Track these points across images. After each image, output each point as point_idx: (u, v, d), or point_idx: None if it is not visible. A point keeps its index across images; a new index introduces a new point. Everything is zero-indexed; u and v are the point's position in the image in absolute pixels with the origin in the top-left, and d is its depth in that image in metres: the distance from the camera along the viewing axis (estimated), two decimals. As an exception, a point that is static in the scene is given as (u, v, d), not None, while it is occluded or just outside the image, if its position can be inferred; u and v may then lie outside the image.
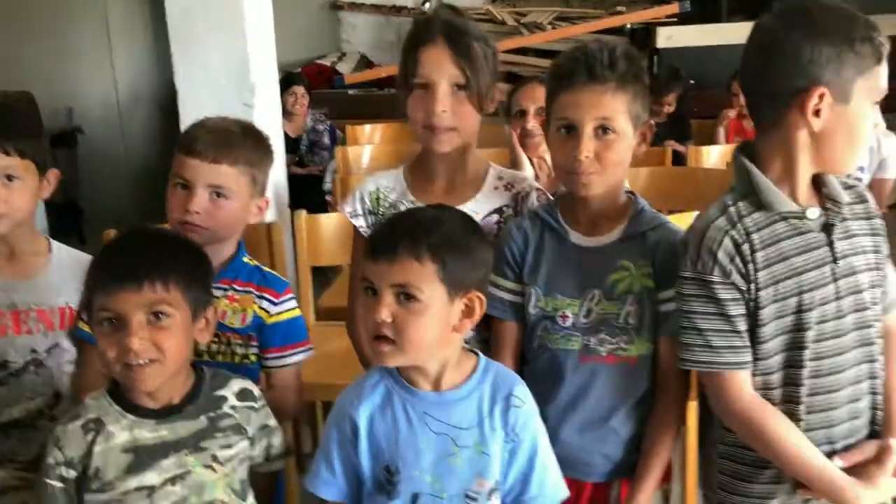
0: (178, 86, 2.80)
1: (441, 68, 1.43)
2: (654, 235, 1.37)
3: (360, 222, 1.58)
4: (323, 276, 3.23)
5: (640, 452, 1.39)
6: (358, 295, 1.61)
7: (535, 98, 2.34)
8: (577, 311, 1.37)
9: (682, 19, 5.37)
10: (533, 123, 2.33)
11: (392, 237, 1.14)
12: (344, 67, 6.15)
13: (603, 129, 1.31)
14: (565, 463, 1.31)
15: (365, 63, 6.53)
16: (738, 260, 1.22)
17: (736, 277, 1.23)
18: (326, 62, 6.22)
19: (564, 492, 1.25)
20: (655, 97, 4.18)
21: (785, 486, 1.28)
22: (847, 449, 1.27)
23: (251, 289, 1.50)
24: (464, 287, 1.16)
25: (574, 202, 1.40)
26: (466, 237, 1.17)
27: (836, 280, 1.24)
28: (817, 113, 1.16)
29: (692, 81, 4.80)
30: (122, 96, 5.27)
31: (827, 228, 1.24)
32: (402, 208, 1.51)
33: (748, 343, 1.25)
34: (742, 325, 1.25)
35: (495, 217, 1.53)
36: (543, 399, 1.35)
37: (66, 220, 4.96)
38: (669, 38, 5.15)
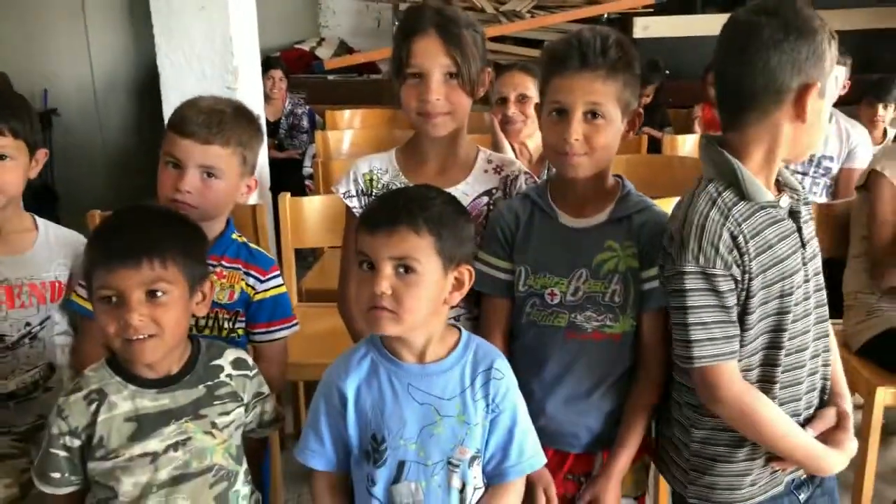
0: (160, 69, 2.79)
1: (433, 58, 1.48)
2: (639, 218, 1.42)
3: (354, 203, 1.62)
4: (303, 258, 3.25)
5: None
6: (352, 274, 1.67)
7: (515, 85, 2.37)
8: (564, 289, 1.42)
9: (658, 10, 5.41)
10: (514, 110, 2.37)
11: (391, 211, 1.19)
12: (323, 53, 6.13)
13: (592, 114, 1.36)
14: (551, 435, 1.37)
15: (344, 49, 6.51)
16: (735, 251, 1.25)
17: (734, 269, 1.25)
18: (305, 47, 6.20)
19: (542, 459, 1.31)
20: None
21: (759, 461, 1.34)
22: (808, 421, 1.36)
23: (239, 265, 1.54)
24: (455, 260, 1.21)
25: (563, 184, 1.44)
26: (456, 214, 1.23)
27: (805, 264, 1.31)
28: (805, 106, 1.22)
29: (668, 72, 4.86)
30: (98, 78, 5.19)
31: (793, 215, 1.31)
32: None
33: (738, 332, 1.29)
34: (735, 316, 1.28)
35: (485, 199, 1.57)
36: (530, 374, 1.41)
37: (41, 204, 4.91)
38: (646, 28, 5.20)
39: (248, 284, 1.53)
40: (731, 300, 1.27)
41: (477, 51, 1.51)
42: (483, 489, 1.28)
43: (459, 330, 1.30)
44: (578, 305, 1.41)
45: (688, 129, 4.13)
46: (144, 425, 1.23)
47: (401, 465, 1.24)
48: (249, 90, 2.88)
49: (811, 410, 1.37)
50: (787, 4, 1.23)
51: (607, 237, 1.42)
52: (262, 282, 1.54)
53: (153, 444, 1.23)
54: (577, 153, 1.37)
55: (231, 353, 1.34)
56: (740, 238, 1.25)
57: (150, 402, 1.24)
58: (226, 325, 1.53)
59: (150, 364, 1.24)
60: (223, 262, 1.53)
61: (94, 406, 1.22)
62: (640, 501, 1.52)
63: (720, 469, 1.36)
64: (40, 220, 1.65)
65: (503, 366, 1.27)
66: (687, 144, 3.48)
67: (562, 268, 1.43)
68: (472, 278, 1.25)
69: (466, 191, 1.56)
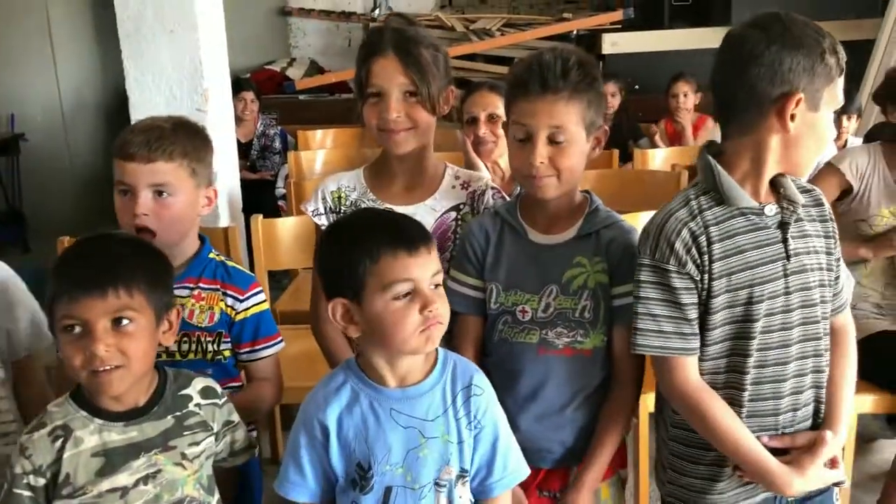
0: (129, 92, 2.76)
1: (392, 78, 1.50)
2: (608, 233, 1.43)
3: (323, 221, 1.62)
4: (277, 280, 3.23)
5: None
6: (321, 294, 1.66)
7: (485, 105, 2.38)
8: (535, 305, 1.43)
9: (626, 26, 5.48)
10: (484, 130, 2.37)
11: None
12: (294, 73, 6.13)
13: (556, 137, 1.37)
14: (524, 451, 1.35)
15: (315, 68, 6.52)
16: (693, 251, 1.28)
17: (690, 267, 1.28)
18: (276, 67, 6.19)
19: (526, 470, 1.30)
20: None
21: (728, 469, 1.35)
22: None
23: (217, 286, 1.52)
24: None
25: (532, 202, 1.45)
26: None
27: (786, 276, 1.29)
28: (792, 118, 1.23)
29: (636, 87, 4.93)
30: (66, 102, 5.15)
31: (782, 226, 1.30)
32: (363, 207, 1.58)
33: (697, 331, 1.31)
34: (692, 314, 1.31)
35: (452, 214, 1.59)
36: (503, 390, 1.39)
37: (9, 229, 4.85)
38: (614, 44, 5.27)
39: (227, 305, 1.51)
40: (687, 298, 1.30)
41: (437, 70, 1.52)
42: None
43: (436, 349, 1.29)
44: (549, 322, 1.42)
45: (656, 143, 4.17)
46: (113, 460, 1.19)
47: (388, 491, 1.22)
48: (220, 112, 2.86)
49: (797, 428, 1.35)
50: (779, 18, 1.24)
51: (576, 253, 1.43)
52: (241, 301, 1.52)
53: (122, 479, 1.19)
54: (544, 175, 1.38)
55: (199, 382, 1.31)
56: (702, 238, 1.28)
57: (117, 435, 1.20)
58: (210, 348, 1.51)
59: (117, 396, 1.20)
60: (201, 284, 1.51)
61: (59, 443, 1.18)
62: (617, 516, 1.52)
63: (690, 470, 1.38)
64: None
65: (482, 381, 1.27)
66: (657, 158, 3.51)
67: (532, 285, 1.43)
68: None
69: (434, 206, 1.58)
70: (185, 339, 1.49)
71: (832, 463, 1.33)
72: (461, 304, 1.47)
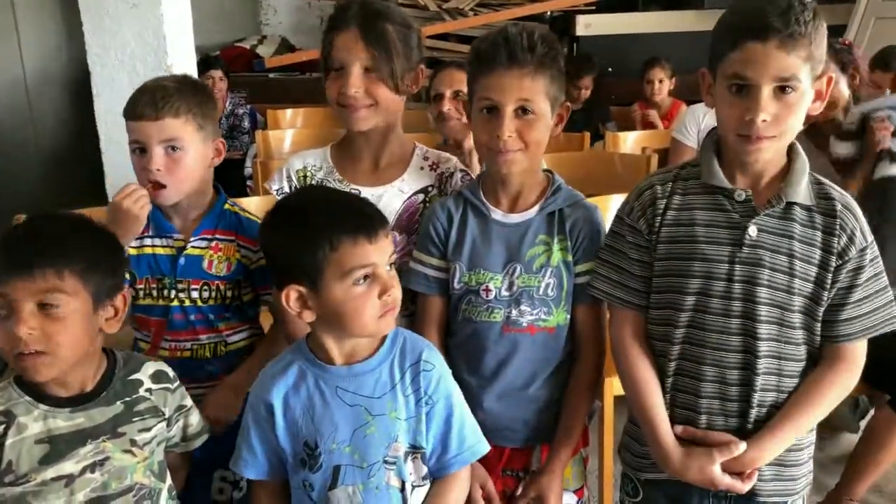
0: (91, 67, 2.73)
1: (352, 52, 1.47)
2: (570, 212, 1.44)
3: None
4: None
5: (557, 418, 1.46)
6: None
7: (451, 82, 2.37)
8: (499, 284, 1.43)
9: (601, 8, 5.46)
10: (448, 106, 2.37)
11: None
12: (264, 51, 6.03)
13: (523, 110, 1.36)
14: (489, 430, 1.36)
15: (286, 47, 6.42)
16: (649, 211, 1.32)
17: (642, 224, 1.33)
18: (246, 45, 6.09)
19: (484, 446, 1.30)
20: (571, 81, 4.29)
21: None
22: (708, 426, 1.31)
23: (232, 237, 1.57)
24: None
25: (494, 181, 1.45)
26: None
27: (732, 262, 1.27)
28: (708, 91, 1.30)
29: (610, 69, 4.91)
30: (30, 78, 5.02)
31: (748, 214, 1.27)
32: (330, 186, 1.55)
33: (640, 288, 1.35)
34: (637, 270, 1.35)
35: (420, 196, 1.57)
36: (467, 369, 1.42)
37: (-30, 206, 4.75)
38: (588, 26, 5.24)
39: (243, 256, 1.57)
40: (635, 254, 1.34)
41: (403, 47, 1.50)
42: (427, 486, 1.26)
43: None
44: (513, 300, 1.42)
45: (630, 127, 4.17)
46: (58, 447, 1.15)
47: (336, 470, 1.22)
48: (185, 89, 2.81)
49: (719, 420, 1.31)
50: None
51: (539, 231, 1.43)
52: (254, 252, 1.57)
53: (68, 467, 1.15)
54: (511, 149, 1.37)
55: (150, 367, 1.28)
56: (662, 202, 1.32)
57: (63, 422, 1.17)
58: (228, 294, 1.56)
59: (60, 381, 1.17)
60: (217, 235, 1.56)
61: (0, 429, 1.14)
62: (578, 494, 1.53)
63: (636, 433, 1.40)
64: None
65: (432, 356, 1.27)
66: (629, 141, 3.51)
67: (496, 263, 1.44)
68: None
69: (402, 188, 1.56)
70: (206, 287, 1.55)
71: (742, 475, 1.28)
72: (424, 284, 1.47)
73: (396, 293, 1.19)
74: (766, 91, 1.19)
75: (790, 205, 1.27)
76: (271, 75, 5.62)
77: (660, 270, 1.33)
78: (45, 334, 1.11)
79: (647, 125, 4.17)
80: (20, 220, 1.90)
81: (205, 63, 4.26)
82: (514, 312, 1.42)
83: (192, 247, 1.55)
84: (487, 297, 1.43)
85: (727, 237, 1.28)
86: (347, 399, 1.22)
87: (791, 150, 1.29)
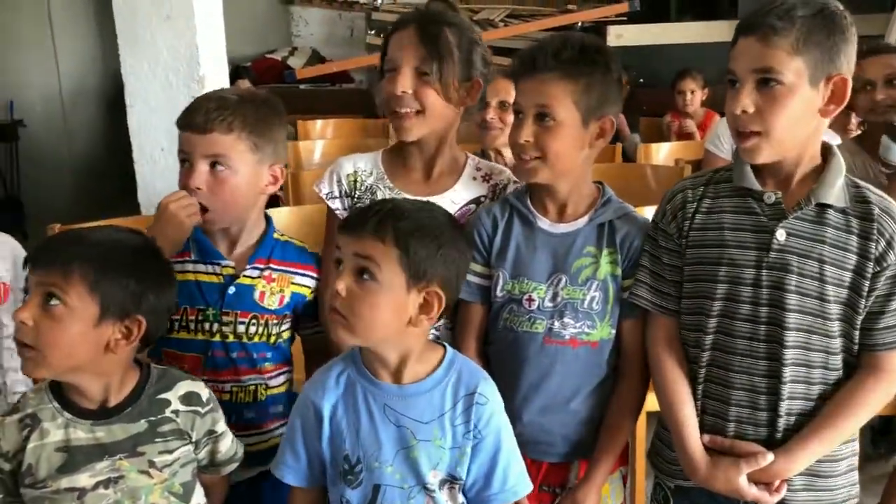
0: (124, 78, 2.75)
1: (405, 52, 1.44)
2: (620, 224, 1.41)
3: (337, 204, 1.55)
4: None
5: (598, 433, 1.42)
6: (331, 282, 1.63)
7: (497, 91, 2.36)
8: (542, 294, 1.40)
9: (632, 18, 5.44)
10: (493, 115, 2.37)
11: (364, 215, 1.16)
12: (295, 62, 6.09)
13: (542, 116, 1.34)
14: (526, 443, 1.34)
15: (316, 58, 6.48)
16: (679, 214, 1.32)
17: (672, 227, 1.33)
18: (277, 56, 6.16)
19: (526, 486, 1.26)
20: None
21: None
22: (737, 435, 1.29)
23: (289, 267, 1.48)
24: (424, 279, 1.15)
25: (542, 188, 1.42)
26: (440, 232, 1.17)
27: (759, 267, 1.24)
28: None
29: (641, 80, 4.87)
30: (65, 89, 5.13)
31: (777, 217, 1.24)
32: (380, 193, 1.52)
33: (673, 293, 1.33)
34: (670, 276, 1.33)
35: (472, 207, 1.53)
36: (506, 380, 1.38)
37: (7, 216, 4.83)
38: (619, 36, 5.21)
39: (302, 285, 1.49)
40: (668, 258, 1.34)
41: (461, 55, 1.45)
42: None
43: (445, 348, 1.26)
44: (556, 311, 1.39)
45: (661, 138, 4.12)
46: (75, 457, 1.15)
47: (376, 489, 1.19)
48: (217, 100, 2.84)
49: (749, 429, 1.28)
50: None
51: (587, 243, 1.40)
52: (317, 279, 1.50)
53: (82, 480, 1.15)
54: (531, 156, 1.36)
55: (183, 386, 1.24)
56: (692, 205, 1.31)
57: (83, 433, 1.16)
58: (274, 331, 1.47)
59: (84, 391, 1.16)
60: (271, 265, 1.46)
61: (26, 431, 1.15)
62: (616, 511, 1.50)
63: (667, 438, 1.37)
64: None
65: (488, 389, 1.23)
66: (661, 153, 3.47)
67: (540, 273, 1.40)
68: (441, 304, 1.18)
69: (454, 198, 1.52)
70: (254, 321, 1.44)
71: (770, 486, 1.26)
72: (466, 291, 1.42)
73: (338, 290, 1.17)
74: (749, 84, 1.19)
75: (823, 208, 1.23)
76: (302, 86, 5.67)
77: (689, 275, 1.31)
78: (39, 330, 1.10)
79: (683, 136, 4.12)
80: (56, 229, 1.94)
81: (234, 73, 4.30)
82: (557, 324, 1.39)
83: (245, 275, 1.44)
84: (530, 307, 1.40)
85: (754, 241, 1.25)
86: (395, 419, 1.19)
87: (827, 150, 1.27)
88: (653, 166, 3.14)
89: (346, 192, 1.55)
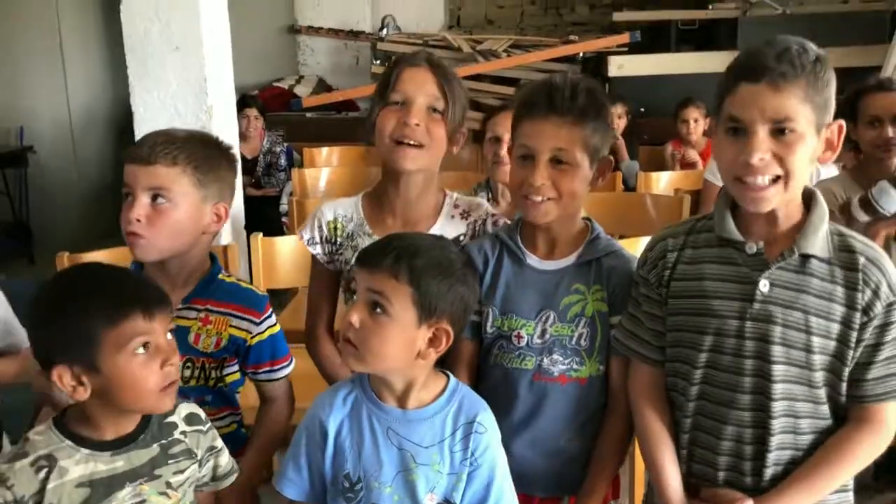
0: (134, 108, 2.79)
1: (422, 86, 1.49)
2: (608, 261, 1.42)
3: (318, 250, 1.61)
4: (277, 298, 3.23)
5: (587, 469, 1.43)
6: (317, 313, 1.66)
7: (509, 126, 2.39)
8: (531, 331, 1.41)
9: (633, 49, 5.49)
10: (506, 151, 2.39)
11: (380, 252, 1.20)
12: (301, 90, 6.17)
13: (558, 160, 1.36)
14: (516, 478, 1.34)
15: (322, 86, 6.56)
16: (659, 264, 1.31)
17: (652, 277, 1.32)
18: (284, 85, 6.24)
19: None
20: None
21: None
22: (726, 481, 1.29)
23: (229, 310, 1.47)
24: (435, 315, 1.19)
25: (532, 226, 1.44)
26: (453, 271, 1.21)
27: (742, 318, 1.23)
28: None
29: (642, 109, 4.93)
30: (75, 116, 5.20)
31: (759, 267, 1.23)
32: (359, 241, 1.56)
33: (652, 342, 1.33)
34: (649, 323, 1.33)
35: None
36: (497, 415, 1.38)
37: (16, 241, 4.89)
38: (620, 67, 5.27)
39: (241, 329, 1.46)
40: (647, 307, 1.33)
41: (461, 100, 1.53)
42: None
43: (448, 377, 1.29)
44: (545, 348, 1.41)
45: (662, 166, 4.17)
46: (98, 490, 1.16)
47: None
48: (224, 129, 2.88)
49: (740, 478, 1.27)
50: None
51: (575, 280, 1.42)
52: (257, 324, 1.48)
53: None
54: (544, 196, 1.36)
55: (184, 409, 1.28)
56: (672, 255, 1.31)
57: (104, 465, 1.17)
58: (213, 375, 1.47)
59: (98, 425, 1.18)
60: (209, 307, 1.46)
61: (42, 473, 1.14)
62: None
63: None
64: None
65: (487, 419, 1.26)
66: (661, 182, 3.51)
67: (529, 310, 1.42)
68: (449, 340, 1.22)
69: None
70: (189, 364, 1.44)
71: None
72: None
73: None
74: (762, 132, 1.15)
75: (806, 258, 1.21)
76: (308, 114, 5.74)
77: (672, 325, 1.31)
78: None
79: (686, 165, 4.17)
80: (65, 258, 1.98)
81: (241, 102, 4.37)
82: (546, 361, 1.40)
83: (179, 317, 1.41)
84: (519, 343, 1.42)
85: (737, 292, 1.23)
86: (396, 442, 1.22)
87: (810, 199, 1.25)
88: (653, 195, 3.17)
89: (326, 238, 1.60)
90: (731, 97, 1.18)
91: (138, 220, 1.36)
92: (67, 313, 1.12)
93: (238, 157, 3.02)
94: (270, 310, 1.51)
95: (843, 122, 1.21)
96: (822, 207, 1.23)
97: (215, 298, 1.46)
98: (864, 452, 1.24)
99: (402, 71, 1.51)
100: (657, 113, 4.87)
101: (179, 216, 1.39)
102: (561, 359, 1.40)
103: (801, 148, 1.16)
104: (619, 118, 4.38)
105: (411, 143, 1.49)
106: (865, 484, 2.49)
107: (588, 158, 1.38)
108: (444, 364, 1.48)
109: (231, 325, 1.46)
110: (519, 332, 1.42)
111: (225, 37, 2.91)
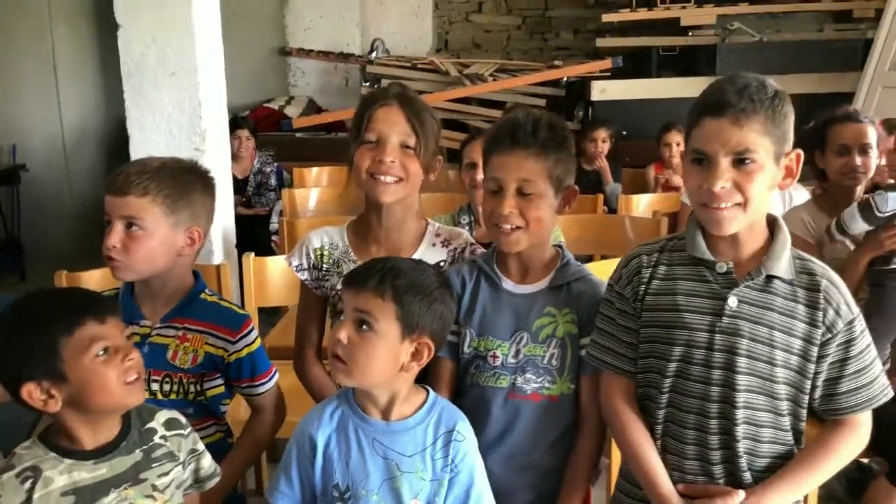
0: (129, 130, 2.86)
1: (392, 125, 1.59)
2: (577, 286, 1.51)
3: (305, 276, 1.70)
4: (268, 315, 3.30)
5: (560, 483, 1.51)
6: (306, 336, 1.74)
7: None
8: (506, 351, 1.50)
9: (616, 74, 5.61)
10: (482, 176, 2.47)
11: (366, 273, 1.29)
12: (292, 111, 6.24)
13: (523, 191, 1.46)
14: (494, 493, 1.41)
15: (313, 107, 6.62)
16: (635, 279, 1.39)
17: (627, 291, 1.40)
18: (275, 105, 6.30)
19: None
20: (586, 136, 4.43)
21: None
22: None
23: (206, 328, 1.54)
24: (417, 331, 1.28)
25: (507, 253, 1.53)
26: (432, 290, 1.30)
27: (712, 331, 1.31)
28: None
29: (624, 132, 5.05)
30: (67, 134, 5.23)
31: (729, 285, 1.32)
32: (345, 267, 1.65)
33: (628, 354, 1.41)
34: (625, 337, 1.41)
35: None
36: (474, 431, 1.46)
37: (7, 258, 4.91)
38: (603, 91, 5.38)
39: (217, 347, 1.54)
40: (623, 321, 1.41)
41: (433, 132, 1.62)
42: None
43: (427, 392, 1.37)
44: (519, 367, 1.49)
45: (643, 188, 4.28)
46: (84, 497, 1.20)
47: None
48: (217, 151, 2.97)
49: (710, 482, 1.35)
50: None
51: (547, 303, 1.50)
52: (232, 343, 1.54)
53: None
54: (513, 225, 1.46)
55: (163, 415, 1.33)
56: (647, 271, 1.39)
57: (87, 473, 1.21)
58: (192, 389, 1.54)
59: (79, 437, 1.23)
60: (187, 325, 1.53)
61: (28, 483, 1.18)
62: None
63: (629, 489, 1.45)
64: None
65: (465, 428, 1.35)
66: (641, 204, 3.61)
67: (504, 331, 1.50)
68: (430, 353, 1.31)
69: None
70: (167, 379, 1.52)
71: None
72: None
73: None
74: (724, 162, 1.25)
75: (771, 278, 1.31)
76: (298, 135, 5.80)
77: (645, 337, 1.38)
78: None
79: (668, 188, 4.28)
80: (63, 277, 2.05)
81: (233, 123, 4.42)
82: (520, 380, 1.48)
83: (158, 335, 1.52)
84: (494, 363, 1.50)
85: (708, 307, 1.33)
86: (382, 452, 1.30)
87: (774, 225, 1.35)
88: (631, 218, 3.26)
89: (313, 265, 1.69)
90: (696, 130, 1.29)
91: (115, 247, 1.46)
92: (27, 331, 1.17)
93: (230, 178, 3.13)
94: (250, 328, 1.58)
95: (800, 151, 1.32)
96: (785, 233, 1.34)
97: (194, 317, 1.54)
98: (845, 452, 1.34)
99: (375, 111, 1.59)
100: (639, 136, 4.96)
101: (152, 242, 1.48)
102: (534, 377, 1.49)
103: (760, 176, 1.26)
104: (602, 142, 4.48)
105: (387, 178, 1.58)
106: (838, 498, 2.59)
107: (553, 188, 1.47)
108: (426, 382, 1.57)
109: (207, 343, 1.53)
110: (494, 353, 1.50)
111: (219, 63, 2.99)
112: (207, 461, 1.39)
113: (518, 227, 1.46)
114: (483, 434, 1.48)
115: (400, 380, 1.31)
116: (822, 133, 2.33)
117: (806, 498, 2.04)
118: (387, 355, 1.27)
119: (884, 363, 2.18)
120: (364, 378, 1.29)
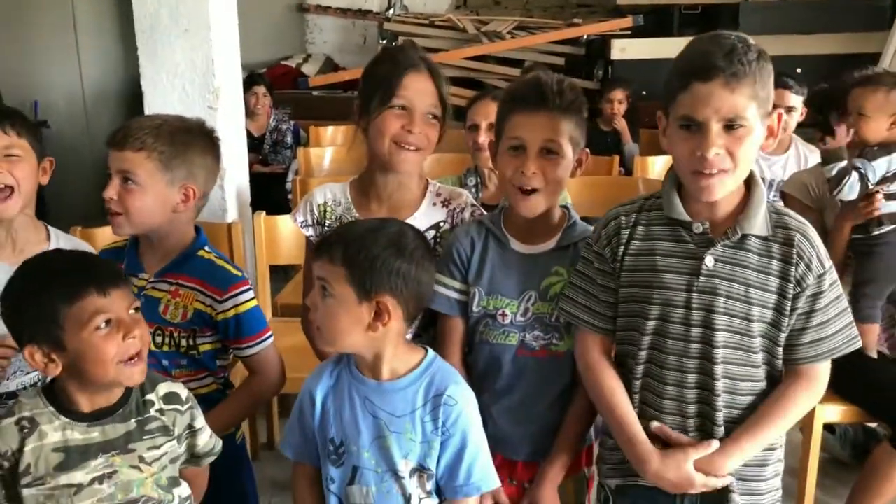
0: (143, 88, 2.86)
1: (424, 95, 1.59)
2: (584, 246, 1.52)
3: (310, 232, 1.72)
4: (283, 273, 3.34)
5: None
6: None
7: (487, 114, 2.45)
8: (515, 310, 1.53)
9: (636, 32, 5.52)
10: (484, 137, 2.46)
11: (324, 241, 1.33)
12: (309, 69, 6.23)
13: (548, 150, 1.47)
14: (498, 441, 1.47)
15: (330, 65, 6.61)
16: (614, 240, 1.41)
17: (607, 252, 1.41)
18: (292, 63, 6.29)
19: (491, 484, 1.39)
20: (604, 96, 4.41)
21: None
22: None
23: (196, 285, 1.57)
24: (372, 291, 1.28)
25: (515, 214, 1.54)
26: (380, 249, 1.28)
27: (689, 290, 1.34)
28: (664, 133, 1.37)
29: (644, 93, 4.99)
30: (88, 91, 5.28)
31: (705, 245, 1.34)
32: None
33: (606, 313, 1.43)
34: (604, 296, 1.43)
35: (432, 232, 1.66)
36: (482, 386, 1.52)
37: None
38: (623, 50, 5.31)
39: (205, 304, 1.56)
40: (602, 280, 1.42)
41: (449, 100, 1.64)
42: (434, 501, 1.37)
43: (426, 351, 1.39)
44: (528, 325, 1.52)
45: (660, 149, 4.23)
46: (72, 456, 1.24)
47: (355, 469, 1.35)
48: (230, 109, 2.97)
49: (693, 434, 1.39)
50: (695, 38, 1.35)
51: (554, 263, 1.53)
52: (219, 302, 1.57)
53: (78, 476, 1.24)
54: (533, 186, 1.47)
55: (163, 388, 1.34)
56: (626, 231, 1.40)
57: (79, 434, 1.25)
58: (183, 343, 1.58)
59: (84, 396, 1.26)
60: (180, 281, 1.57)
61: (24, 433, 1.23)
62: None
63: (610, 443, 1.48)
64: (52, 230, 1.71)
65: (457, 392, 1.34)
66: (657, 165, 3.59)
67: (513, 290, 1.53)
68: (392, 311, 1.29)
69: (415, 225, 1.62)
70: (159, 332, 1.56)
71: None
72: (447, 306, 1.56)
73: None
74: (715, 128, 1.24)
75: (746, 236, 1.32)
76: (315, 93, 5.79)
77: (624, 297, 1.41)
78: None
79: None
80: (78, 233, 2.09)
81: (249, 80, 4.43)
82: (529, 337, 1.52)
83: (153, 288, 1.57)
84: (503, 321, 1.53)
85: (685, 267, 1.35)
86: (372, 411, 1.34)
87: (750, 180, 1.35)
88: (645, 179, 3.26)
89: (317, 220, 1.71)
90: (684, 95, 1.27)
91: (112, 199, 1.52)
92: (31, 298, 1.21)
93: (244, 137, 3.14)
94: (241, 289, 1.59)
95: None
96: (761, 189, 1.35)
97: (187, 273, 1.58)
98: (802, 404, 1.38)
99: (405, 76, 1.58)
100: (659, 97, 4.89)
101: (146, 197, 1.52)
102: (542, 334, 1.52)
103: (749, 140, 1.27)
104: (619, 102, 4.43)
105: (411, 147, 1.59)
106: (843, 462, 2.61)
107: (571, 149, 1.48)
108: (436, 340, 1.60)
109: (197, 300, 1.57)
110: (504, 311, 1.53)
111: (233, 21, 2.97)
112: (204, 439, 1.39)
113: (536, 190, 1.47)
114: (491, 387, 1.54)
115: (376, 339, 1.31)
116: (841, 97, 2.29)
117: (806, 467, 2.12)
118: (348, 318, 1.29)
119: (882, 322, 2.26)
120: (335, 341, 1.33)
